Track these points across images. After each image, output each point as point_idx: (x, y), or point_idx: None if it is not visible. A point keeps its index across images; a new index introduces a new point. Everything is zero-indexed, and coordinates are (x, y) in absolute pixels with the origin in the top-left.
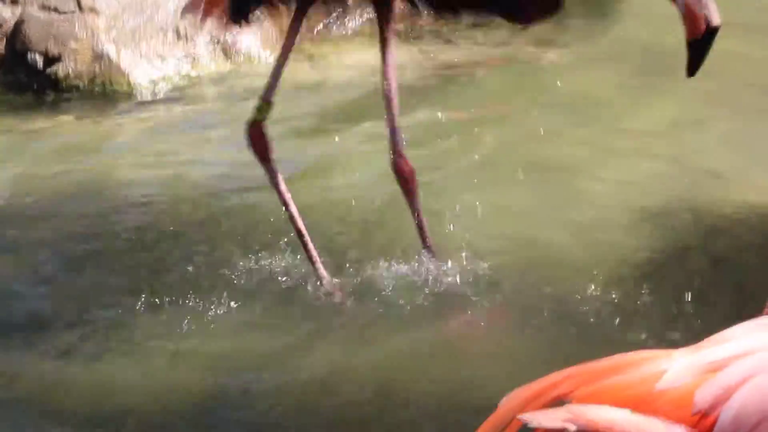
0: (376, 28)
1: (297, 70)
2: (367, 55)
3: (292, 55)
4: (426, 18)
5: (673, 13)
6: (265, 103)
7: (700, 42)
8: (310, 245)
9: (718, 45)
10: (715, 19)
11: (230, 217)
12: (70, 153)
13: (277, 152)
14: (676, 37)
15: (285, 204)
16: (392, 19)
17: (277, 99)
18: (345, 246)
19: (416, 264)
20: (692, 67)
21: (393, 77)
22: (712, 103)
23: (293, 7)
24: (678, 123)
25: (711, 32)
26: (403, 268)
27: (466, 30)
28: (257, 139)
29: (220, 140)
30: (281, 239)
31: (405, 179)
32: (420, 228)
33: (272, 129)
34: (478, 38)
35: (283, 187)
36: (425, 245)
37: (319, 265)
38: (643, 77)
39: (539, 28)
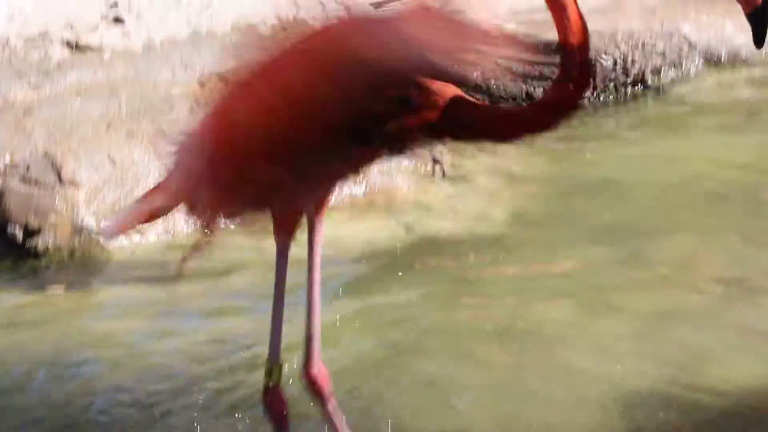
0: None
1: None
2: (346, 230)
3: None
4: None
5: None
6: (275, 366)
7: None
8: None
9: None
10: None
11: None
12: (46, 325)
13: None
14: (650, 214)
15: None
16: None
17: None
18: None
19: None
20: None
21: (317, 277)
22: (693, 278)
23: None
24: (659, 300)
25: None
26: None
27: (445, 199)
28: (275, 406)
29: (200, 315)
30: None
31: (317, 389)
32: None
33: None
34: (458, 208)
35: None
36: None
37: None
38: (622, 250)
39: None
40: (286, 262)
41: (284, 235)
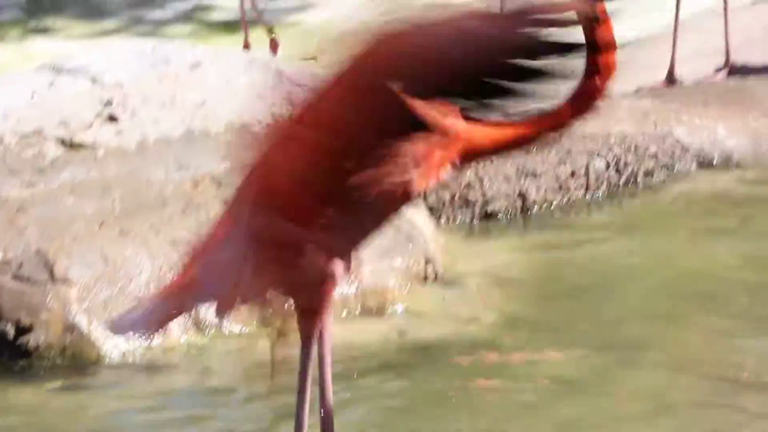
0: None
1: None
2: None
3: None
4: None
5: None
6: None
7: None
8: None
9: None
10: None
11: None
12: (36, 424)
13: None
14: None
15: None
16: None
17: None
18: None
19: None
20: None
21: (329, 360)
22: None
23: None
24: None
25: None
26: None
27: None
28: None
29: (192, 415)
30: None
31: None
32: None
33: None
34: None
35: None
36: None
37: None
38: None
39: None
40: (310, 354)
41: (309, 321)
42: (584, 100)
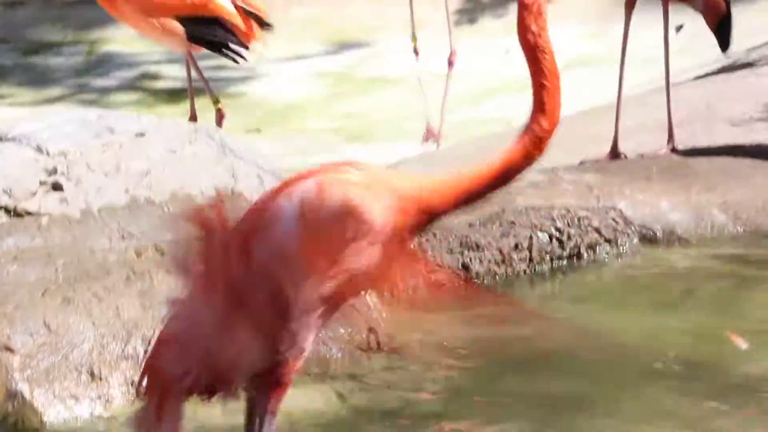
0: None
1: None
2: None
3: None
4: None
5: None
6: None
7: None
8: None
9: None
10: None
11: None
12: None
13: None
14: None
15: None
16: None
17: None
18: None
19: None
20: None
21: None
22: None
23: None
24: None
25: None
26: None
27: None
28: None
29: None
30: None
31: None
32: None
33: None
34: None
35: None
36: None
37: None
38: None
39: None
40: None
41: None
42: (532, 141)
